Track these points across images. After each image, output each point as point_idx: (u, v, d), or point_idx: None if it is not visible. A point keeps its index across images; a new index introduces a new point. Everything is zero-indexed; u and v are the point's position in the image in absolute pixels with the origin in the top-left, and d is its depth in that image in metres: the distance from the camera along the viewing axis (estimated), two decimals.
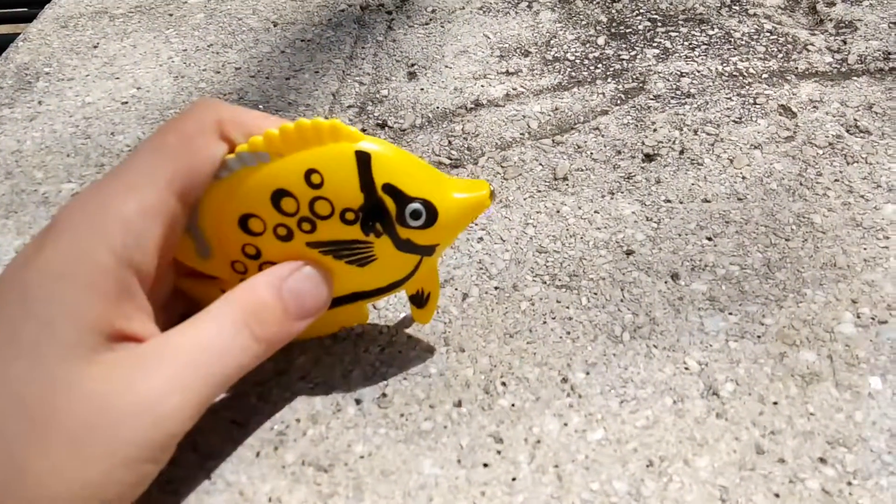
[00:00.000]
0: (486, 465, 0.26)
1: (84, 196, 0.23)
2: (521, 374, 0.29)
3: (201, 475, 0.26)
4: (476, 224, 0.36)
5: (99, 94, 0.46)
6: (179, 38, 0.51)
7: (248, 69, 0.47)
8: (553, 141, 0.42)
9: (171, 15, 0.53)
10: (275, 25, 0.51)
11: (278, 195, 0.25)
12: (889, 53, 0.46)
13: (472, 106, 0.44)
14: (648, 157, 0.40)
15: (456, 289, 0.33)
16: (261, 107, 0.44)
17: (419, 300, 0.29)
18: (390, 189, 0.25)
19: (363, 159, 0.24)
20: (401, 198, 0.25)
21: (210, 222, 0.25)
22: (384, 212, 0.25)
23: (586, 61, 0.48)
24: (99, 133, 0.43)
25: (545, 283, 0.33)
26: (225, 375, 0.23)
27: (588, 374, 0.29)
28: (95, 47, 0.51)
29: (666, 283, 0.33)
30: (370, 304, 0.30)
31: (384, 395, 0.29)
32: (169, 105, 0.45)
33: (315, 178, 0.24)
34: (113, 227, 0.22)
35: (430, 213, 0.25)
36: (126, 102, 0.45)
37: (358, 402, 0.28)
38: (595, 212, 0.37)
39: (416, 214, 0.25)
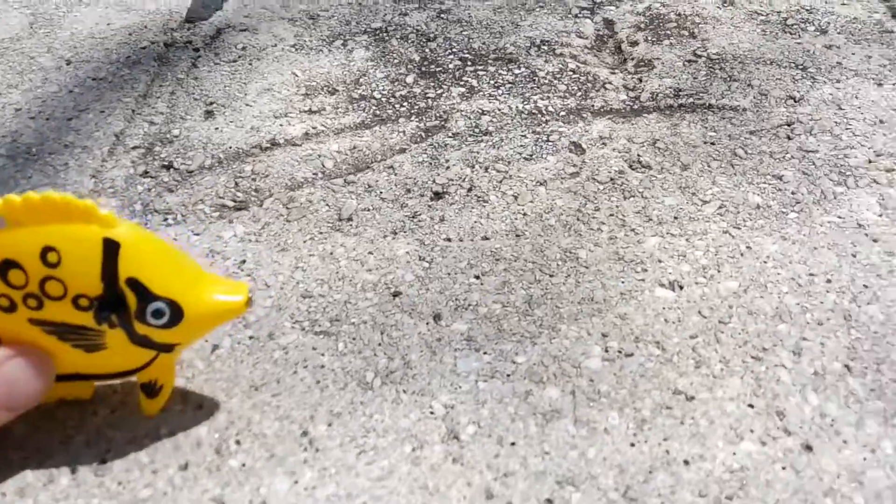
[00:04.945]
0: None
1: None
2: (259, 431, 0.28)
3: None
4: (241, 269, 0.35)
5: None
6: None
7: (29, 110, 0.45)
8: (345, 181, 0.41)
9: None
10: (68, 64, 0.49)
11: (6, 265, 0.23)
12: (680, 90, 0.49)
13: (268, 146, 0.43)
14: (437, 196, 0.40)
15: (206, 341, 0.31)
16: (34, 150, 0.42)
17: (150, 390, 0.27)
18: (134, 284, 0.24)
19: (111, 248, 0.23)
20: (144, 294, 0.24)
21: None
22: (122, 306, 0.24)
23: (392, 99, 0.48)
24: None
25: (304, 329, 0.32)
26: None
27: (331, 425, 0.28)
28: None
29: (427, 324, 0.33)
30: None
31: (104, 461, 0.27)
32: None
33: (52, 257, 0.23)
34: None
35: (175, 314, 0.24)
36: None
37: (73, 471, 0.26)
38: (369, 253, 0.36)
39: (158, 314, 0.24)
